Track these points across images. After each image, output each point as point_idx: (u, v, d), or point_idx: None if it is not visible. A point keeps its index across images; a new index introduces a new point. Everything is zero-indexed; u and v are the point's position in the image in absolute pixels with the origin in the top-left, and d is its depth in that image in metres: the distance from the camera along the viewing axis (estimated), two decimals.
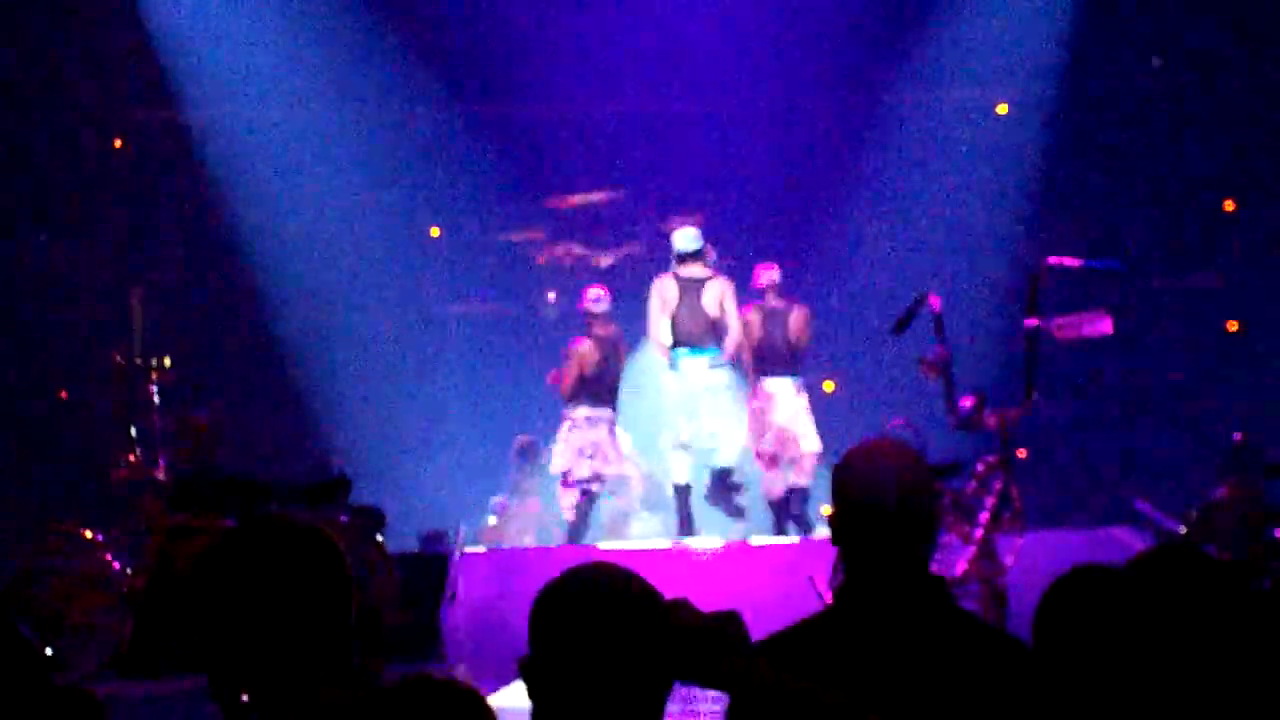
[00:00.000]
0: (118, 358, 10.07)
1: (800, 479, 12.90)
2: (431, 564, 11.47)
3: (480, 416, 16.65)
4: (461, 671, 9.83)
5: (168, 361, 10.13)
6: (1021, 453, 9.94)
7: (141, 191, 16.01)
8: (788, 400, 12.99)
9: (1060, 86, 15.82)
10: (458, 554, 11.72)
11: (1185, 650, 2.17)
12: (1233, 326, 15.58)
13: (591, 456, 12.91)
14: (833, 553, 7.62)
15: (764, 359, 12.93)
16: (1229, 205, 15.90)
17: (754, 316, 12.93)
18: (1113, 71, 15.81)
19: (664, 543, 12.88)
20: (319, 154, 16.33)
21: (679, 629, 2.75)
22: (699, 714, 7.65)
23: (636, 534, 14.39)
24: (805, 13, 15.67)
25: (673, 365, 12.81)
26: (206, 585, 2.87)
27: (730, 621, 2.79)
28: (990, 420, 9.69)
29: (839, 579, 7.13)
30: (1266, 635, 2.22)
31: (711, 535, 12.81)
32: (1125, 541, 11.23)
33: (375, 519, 10.15)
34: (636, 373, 13.78)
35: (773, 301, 13.05)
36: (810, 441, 12.87)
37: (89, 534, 9.66)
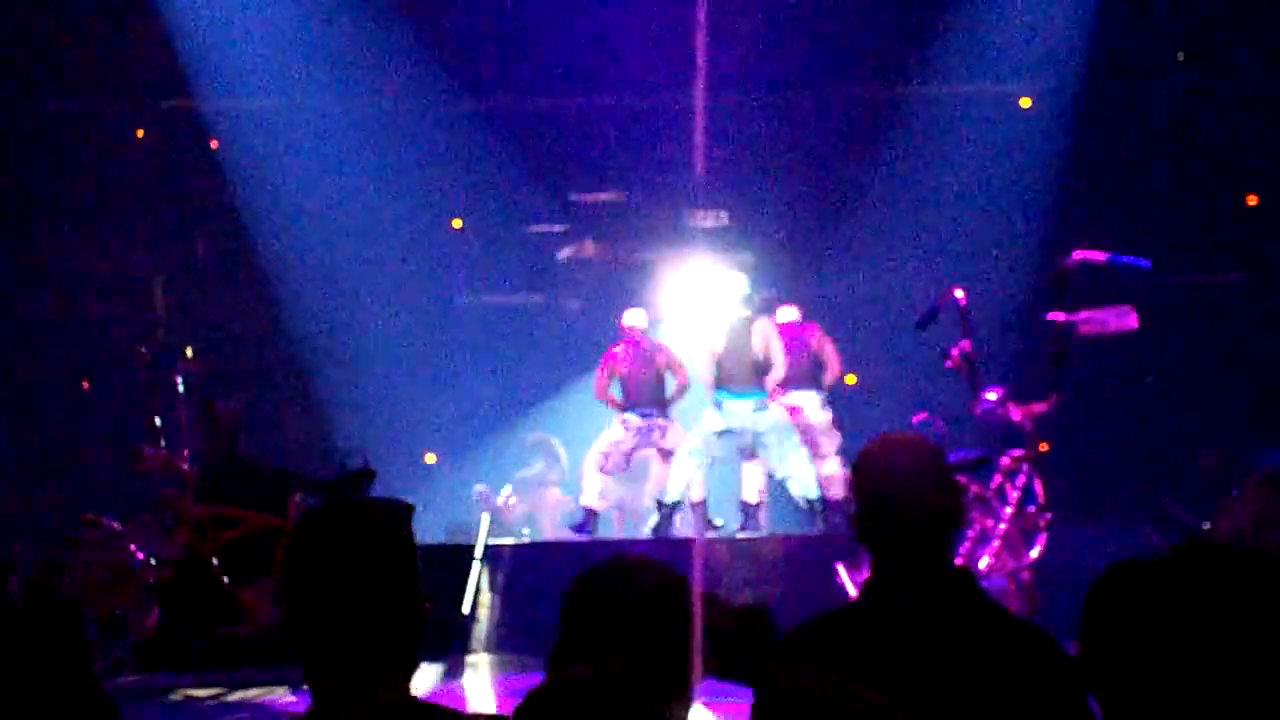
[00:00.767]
0: (142, 348, 10.06)
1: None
2: (456, 556, 11.47)
3: (504, 408, 16.69)
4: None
5: (190, 352, 10.12)
6: (1043, 446, 9.89)
7: (163, 183, 16.02)
8: (813, 412, 13.10)
9: (1084, 80, 15.76)
10: (482, 546, 11.73)
11: (1240, 645, 2.15)
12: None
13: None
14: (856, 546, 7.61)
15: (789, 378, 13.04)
16: (1252, 200, 15.85)
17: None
18: (1137, 65, 15.74)
19: (686, 533, 12.95)
20: (340, 145, 16.33)
21: (708, 623, 2.74)
22: (724, 708, 7.64)
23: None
24: (829, 8, 15.64)
25: (716, 405, 12.81)
26: (300, 560, 2.88)
27: (760, 616, 2.77)
28: (1015, 415, 9.68)
29: (863, 572, 7.14)
30: None
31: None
32: (1149, 537, 11.21)
33: (404, 511, 10.12)
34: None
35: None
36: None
37: (114, 525, 9.67)
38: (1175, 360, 15.15)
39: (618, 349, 13.42)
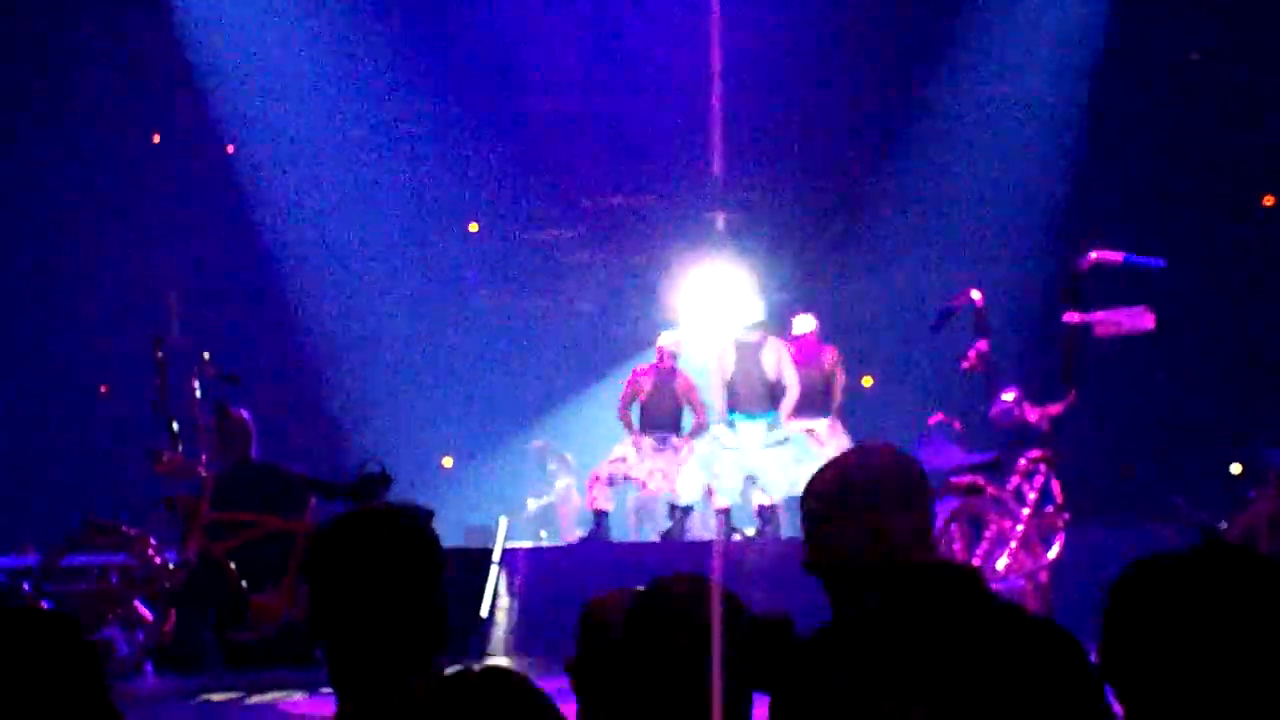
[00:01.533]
0: (159, 353, 10.07)
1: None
2: (473, 560, 11.48)
3: (519, 411, 16.70)
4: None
5: (206, 356, 10.12)
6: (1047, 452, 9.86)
7: (177, 187, 16.04)
8: (824, 438, 13.04)
9: (1099, 80, 15.73)
10: (499, 550, 11.74)
11: (1260, 645, 2.15)
12: None
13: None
14: None
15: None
16: (1269, 200, 15.81)
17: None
18: (1151, 64, 15.70)
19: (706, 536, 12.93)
20: (356, 149, 16.36)
21: (728, 631, 2.75)
22: None
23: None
24: (843, 8, 15.64)
25: (729, 426, 12.75)
26: (324, 567, 2.90)
27: (780, 623, 2.78)
28: (1031, 415, 9.66)
29: None
30: None
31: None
32: (1165, 537, 11.18)
33: (423, 516, 10.13)
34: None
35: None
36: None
37: (130, 530, 9.69)
38: (1190, 360, 15.10)
39: (644, 372, 13.38)
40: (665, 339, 13.50)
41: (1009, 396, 9.67)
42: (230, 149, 16.17)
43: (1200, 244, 15.01)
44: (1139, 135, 15.66)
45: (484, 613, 11.22)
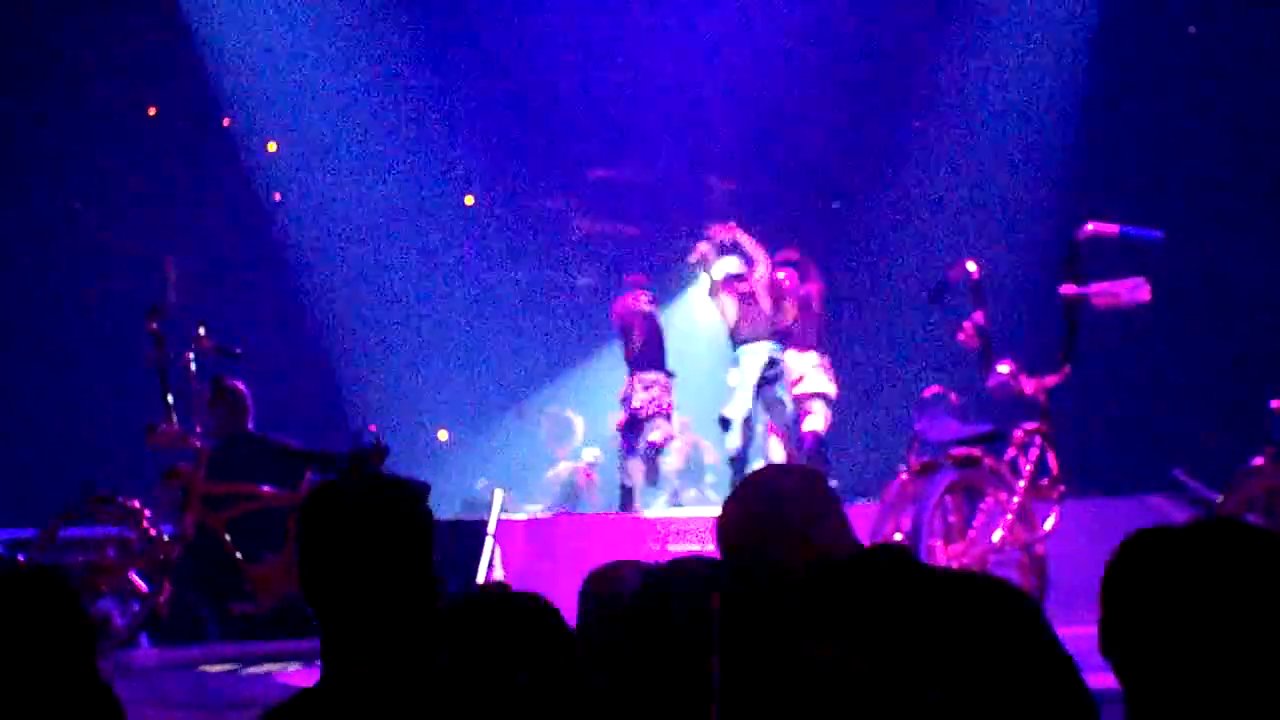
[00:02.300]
0: (154, 325, 10.03)
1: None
2: (469, 532, 11.47)
3: (517, 385, 16.69)
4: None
5: (202, 329, 10.10)
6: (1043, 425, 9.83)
7: (175, 159, 16.01)
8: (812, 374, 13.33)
9: (1098, 54, 15.71)
10: (494, 522, 11.73)
11: (1262, 618, 2.15)
12: None
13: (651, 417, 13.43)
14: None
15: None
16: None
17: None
18: (1150, 39, 15.67)
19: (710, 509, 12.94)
20: (353, 121, 16.33)
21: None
22: None
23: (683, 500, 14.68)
24: None
25: (735, 363, 13.18)
26: (314, 531, 2.91)
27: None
28: (1028, 387, 9.64)
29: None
30: None
31: None
32: (1163, 509, 11.18)
33: (418, 490, 10.12)
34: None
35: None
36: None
37: (126, 501, 9.67)
38: (1189, 333, 15.10)
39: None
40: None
41: (1004, 369, 9.65)
42: (227, 122, 16.13)
43: (1200, 216, 15.01)
44: (1139, 107, 15.66)
45: (477, 584, 11.21)
